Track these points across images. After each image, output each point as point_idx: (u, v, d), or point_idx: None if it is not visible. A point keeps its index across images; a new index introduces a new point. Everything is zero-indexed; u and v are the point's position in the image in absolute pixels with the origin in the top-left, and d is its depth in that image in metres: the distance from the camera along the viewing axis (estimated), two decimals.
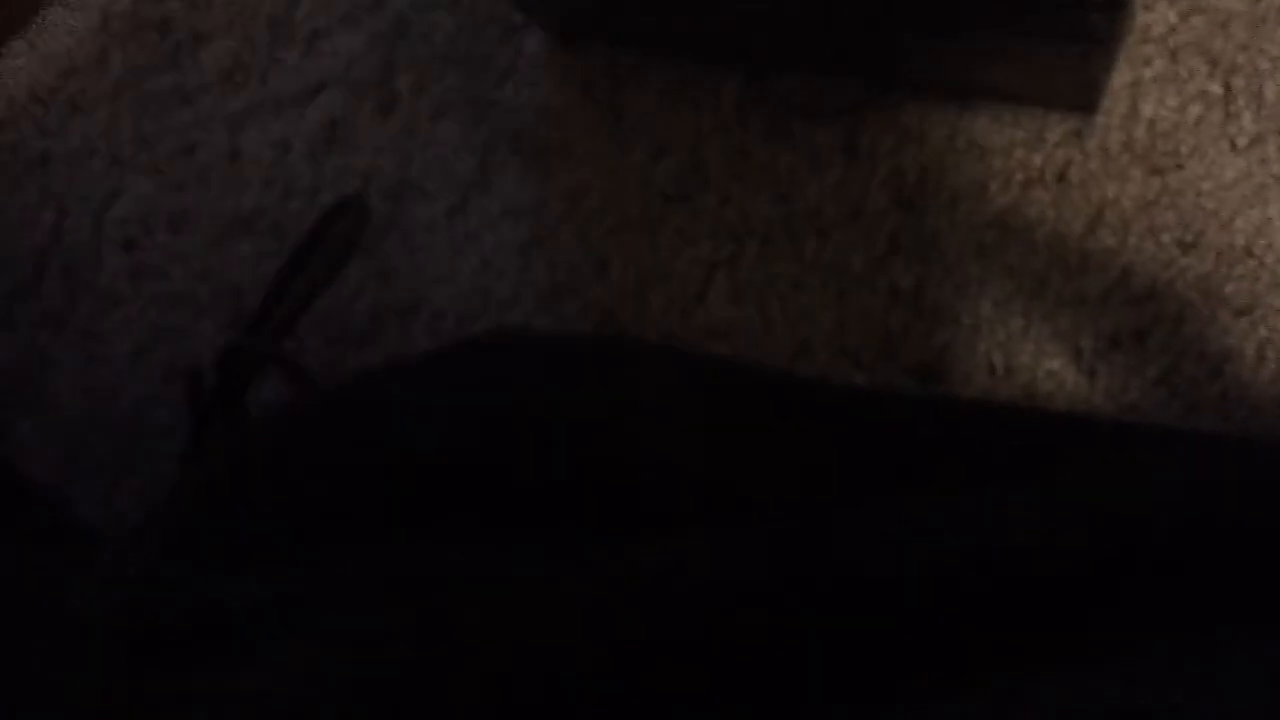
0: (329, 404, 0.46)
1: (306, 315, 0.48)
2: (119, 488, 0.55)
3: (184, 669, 0.34)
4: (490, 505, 0.42)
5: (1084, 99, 0.50)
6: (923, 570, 0.37)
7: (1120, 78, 0.50)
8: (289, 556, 0.40)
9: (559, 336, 0.51)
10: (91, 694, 0.34)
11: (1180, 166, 0.50)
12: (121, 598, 0.38)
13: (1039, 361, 0.50)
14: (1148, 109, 0.51)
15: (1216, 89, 0.50)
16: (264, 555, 0.40)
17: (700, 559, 0.37)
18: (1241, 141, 0.50)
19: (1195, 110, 0.50)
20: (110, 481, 0.55)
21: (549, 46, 0.54)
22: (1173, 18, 0.51)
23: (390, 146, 0.54)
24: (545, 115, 0.54)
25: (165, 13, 0.56)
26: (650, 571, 0.37)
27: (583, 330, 0.52)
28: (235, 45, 0.56)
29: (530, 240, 0.53)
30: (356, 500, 0.42)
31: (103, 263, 0.56)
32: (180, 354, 0.55)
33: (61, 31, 0.57)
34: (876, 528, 0.38)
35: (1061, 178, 0.51)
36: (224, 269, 0.55)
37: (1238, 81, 0.50)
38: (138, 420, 0.55)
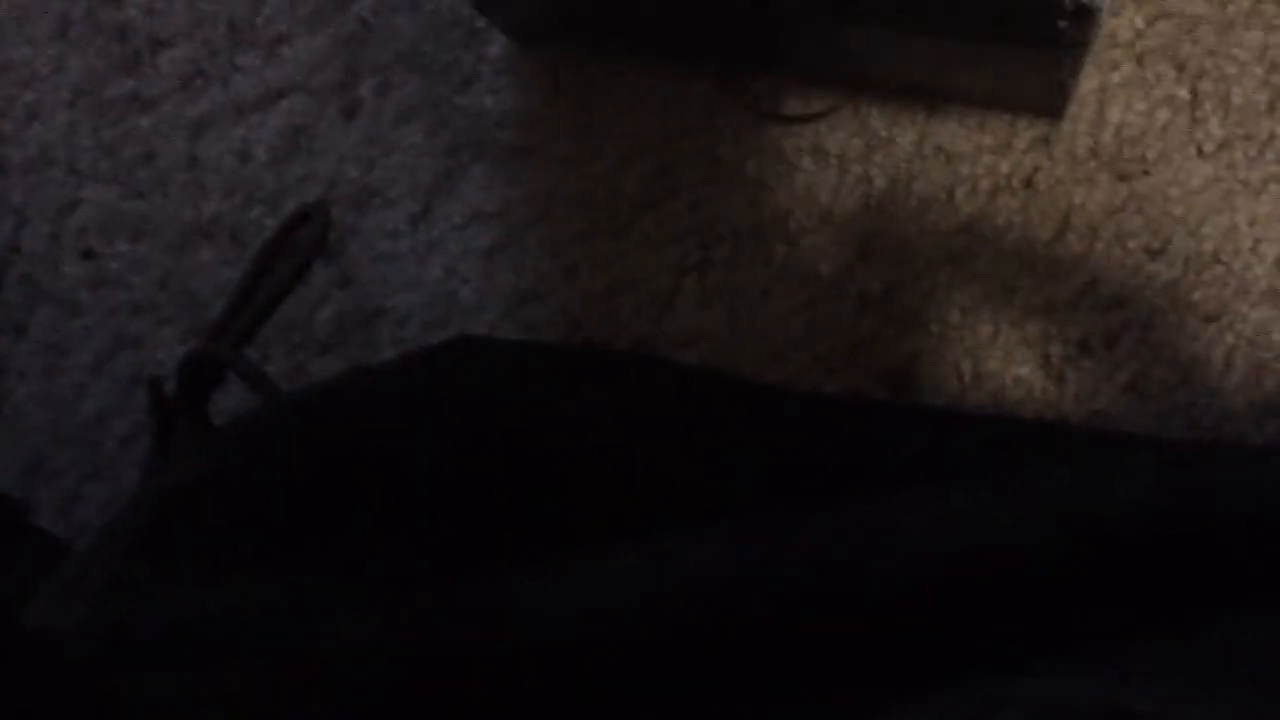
0: (292, 412, 0.45)
1: (268, 323, 0.48)
2: (80, 498, 0.55)
3: (151, 677, 0.34)
4: (457, 514, 0.42)
5: (1051, 104, 0.50)
6: (899, 574, 0.37)
7: (1088, 83, 0.50)
8: (253, 566, 0.40)
9: (524, 345, 0.50)
10: (56, 704, 0.33)
11: (1147, 172, 0.50)
12: (86, 606, 0.38)
13: (1007, 368, 0.50)
14: (1115, 114, 0.50)
15: (1184, 94, 0.50)
16: (228, 565, 0.40)
17: (668, 567, 0.37)
18: (1209, 147, 0.50)
19: (1162, 115, 0.50)
20: (72, 491, 0.55)
21: (513, 50, 0.53)
22: (1140, 23, 0.50)
23: (353, 153, 0.54)
24: (510, 120, 0.53)
25: (124, 18, 0.56)
26: (619, 578, 0.37)
27: (549, 338, 0.52)
28: (195, 51, 0.55)
29: (496, 246, 0.53)
30: (321, 509, 0.42)
31: (62, 272, 0.55)
32: (142, 363, 0.54)
33: (19, 38, 0.56)
34: (849, 534, 0.38)
35: (1029, 184, 0.50)
36: (185, 277, 0.54)
37: (1205, 86, 0.50)
38: (99, 430, 0.55)
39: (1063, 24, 0.41)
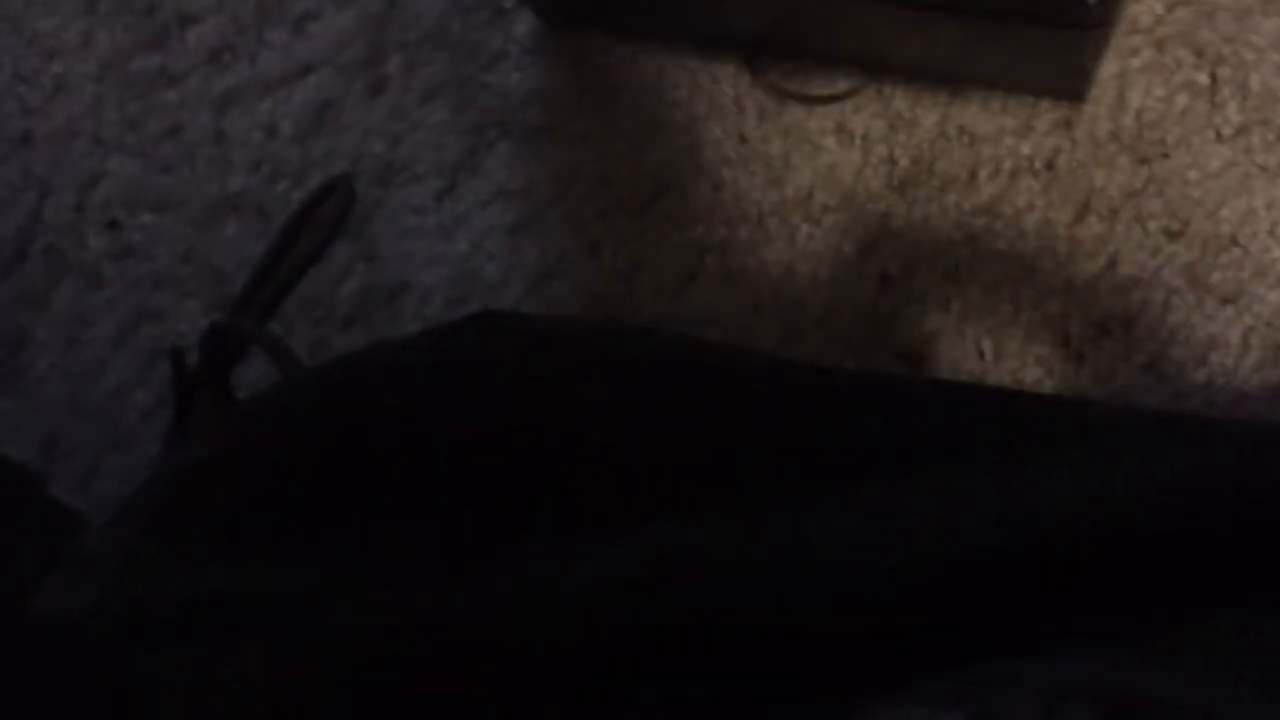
0: (314, 388, 0.45)
1: (292, 297, 0.48)
2: (100, 470, 0.55)
3: (166, 655, 0.34)
4: (475, 492, 0.42)
5: (1073, 87, 0.50)
6: (904, 568, 0.37)
7: (1108, 68, 0.51)
8: (271, 544, 0.40)
9: (546, 320, 0.50)
10: (68, 686, 0.33)
11: (1167, 156, 0.50)
12: (102, 583, 0.37)
13: (1027, 347, 0.50)
14: (1135, 99, 0.51)
15: (1203, 79, 0.51)
16: (245, 542, 0.40)
17: (672, 563, 0.37)
18: (1227, 131, 0.50)
19: (1181, 100, 0.51)
20: (91, 464, 0.55)
21: (540, 29, 0.53)
22: (1160, 9, 0.51)
23: (379, 129, 0.54)
24: (536, 98, 0.54)
25: None
26: (624, 568, 0.37)
27: (572, 314, 0.52)
28: (222, 26, 0.55)
29: (520, 223, 0.53)
30: (340, 486, 0.41)
31: (85, 244, 0.55)
32: (164, 336, 0.54)
33: (46, 11, 0.56)
34: (855, 527, 0.38)
35: (1050, 166, 0.51)
36: (209, 251, 0.54)
37: (1223, 72, 0.50)
38: (120, 403, 0.55)
39: (1091, 2, 0.42)
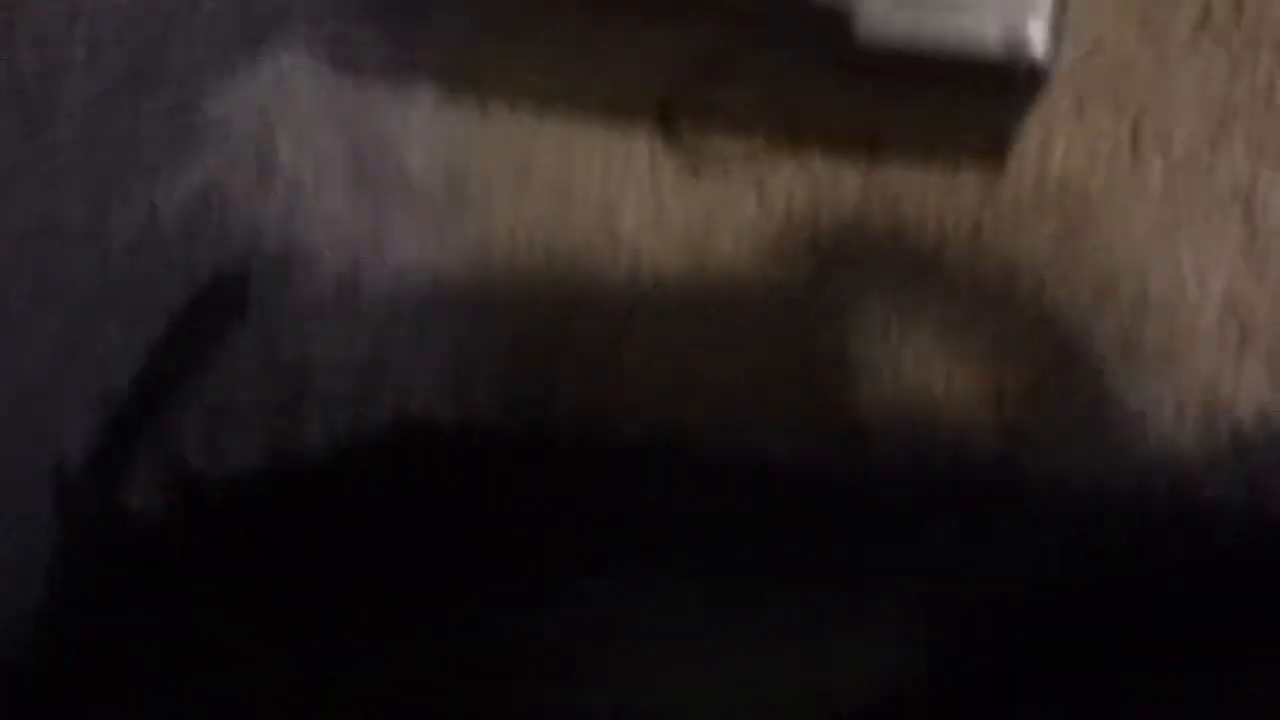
0: (215, 506, 0.44)
1: (183, 401, 0.45)
2: None
3: None
4: (392, 601, 0.41)
5: (996, 148, 0.49)
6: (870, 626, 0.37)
7: (1030, 126, 0.50)
8: (173, 677, 0.39)
9: (463, 427, 0.48)
10: None
11: (1091, 216, 0.50)
12: None
13: (961, 414, 0.49)
14: (1057, 155, 0.50)
15: (1124, 133, 0.50)
16: (146, 678, 0.39)
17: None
18: (1152, 186, 0.50)
19: (1104, 156, 0.50)
20: None
21: (440, 100, 0.51)
22: (1078, 62, 0.50)
23: (271, 213, 0.50)
24: (442, 172, 0.51)
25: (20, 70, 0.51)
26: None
27: (488, 404, 0.50)
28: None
29: (428, 309, 0.50)
30: (248, 613, 0.41)
31: None
32: (41, 449, 0.50)
33: None
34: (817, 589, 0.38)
35: (975, 229, 0.50)
36: (88, 355, 0.50)
37: (1146, 125, 0.50)
38: None
39: (1014, 84, 0.41)
